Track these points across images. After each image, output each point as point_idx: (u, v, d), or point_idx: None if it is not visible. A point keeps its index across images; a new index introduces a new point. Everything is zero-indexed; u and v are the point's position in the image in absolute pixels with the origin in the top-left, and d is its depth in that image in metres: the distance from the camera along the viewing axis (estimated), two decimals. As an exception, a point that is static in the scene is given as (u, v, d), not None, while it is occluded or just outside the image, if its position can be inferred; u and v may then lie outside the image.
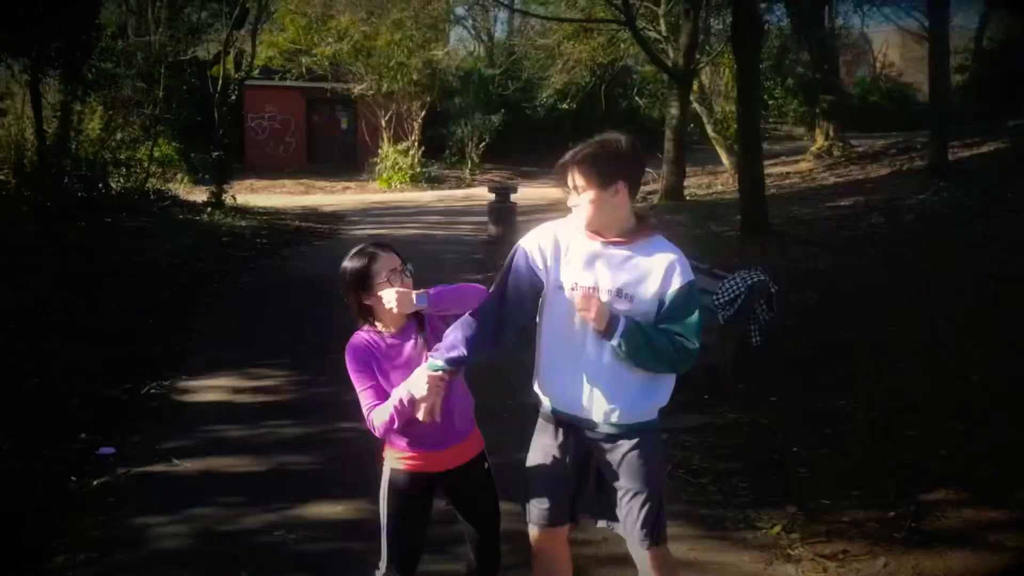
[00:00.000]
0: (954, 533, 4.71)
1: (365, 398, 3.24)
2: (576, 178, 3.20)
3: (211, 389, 7.27)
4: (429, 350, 3.22)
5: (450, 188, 26.61)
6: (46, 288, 10.20)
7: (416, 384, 3.10)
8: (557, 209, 18.36)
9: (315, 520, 4.85)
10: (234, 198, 20.53)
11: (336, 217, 20.30)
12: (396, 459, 3.36)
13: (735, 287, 6.97)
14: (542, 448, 3.39)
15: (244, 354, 8.30)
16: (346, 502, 4.97)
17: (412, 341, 3.28)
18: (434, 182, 27.18)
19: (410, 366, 3.21)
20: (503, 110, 28.70)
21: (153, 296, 10.56)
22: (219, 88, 21.07)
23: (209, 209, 19.29)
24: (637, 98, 29.69)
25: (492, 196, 16.39)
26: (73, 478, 5.39)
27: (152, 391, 7.18)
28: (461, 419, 3.36)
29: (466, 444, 3.39)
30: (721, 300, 7.00)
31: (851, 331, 8.61)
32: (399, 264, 3.26)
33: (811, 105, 26.62)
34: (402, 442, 3.31)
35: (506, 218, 15.92)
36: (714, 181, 24.01)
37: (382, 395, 3.22)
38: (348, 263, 3.26)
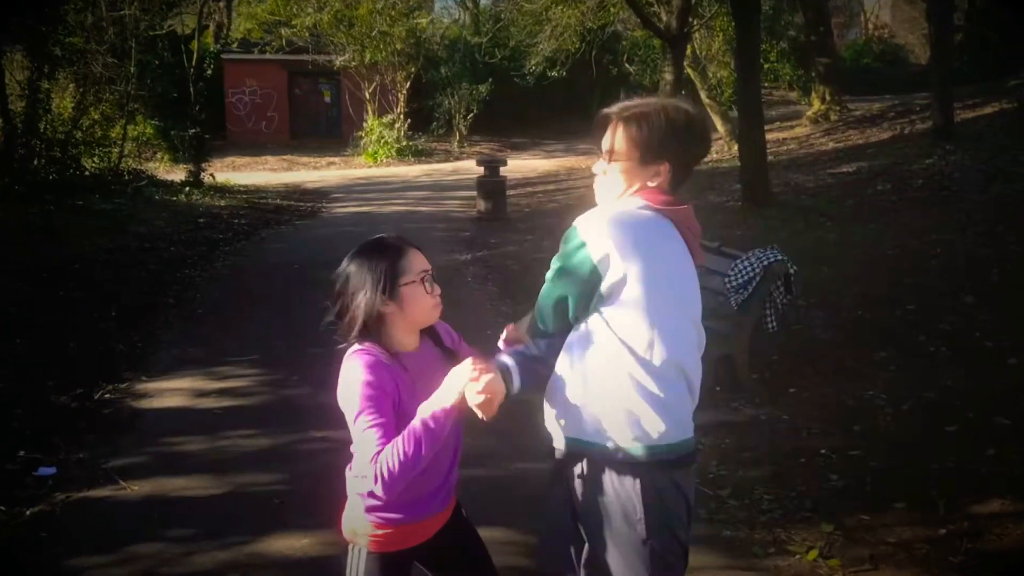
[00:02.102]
0: (1019, 554, 4.06)
1: (372, 436, 2.31)
2: (616, 138, 2.49)
3: (172, 392, 6.57)
4: (445, 351, 2.59)
5: (438, 161, 25.86)
6: (5, 278, 9.50)
7: (454, 385, 2.36)
8: (548, 181, 17.68)
9: (276, 558, 4.16)
10: (213, 176, 19.86)
11: (319, 194, 19.58)
12: (373, 539, 2.53)
13: (749, 269, 6.29)
14: (550, 487, 2.66)
15: (211, 350, 7.61)
16: (312, 534, 4.27)
17: (432, 361, 2.55)
18: (421, 155, 26.43)
19: (422, 378, 2.47)
20: (490, 79, 27.86)
21: (119, 285, 9.88)
22: (194, 63, 20.24)
23: (187, 189, 18.56)
24: (628, 64, 28.82)
25: (481, 170, 15.67)
26: (2, 507, 4.70)
27: (106, 396, 6.49)
28: (453, 460, 2.64)
29: (453, 498, 2.70)
30: (733, 283, 6.32)
31: (870, 310, 7.94)
32: (429, 266, 2.54)
33: (806, 69, 25.84)
34: (390, 511, 2.51)
35: (495, 193, 15.24)
36: (709, 149, 23.30)
37: (392, 436, 2.35)
38: (368, 259, 2.48)
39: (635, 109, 2.49)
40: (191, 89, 20.18)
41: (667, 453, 2.39)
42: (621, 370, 2.37)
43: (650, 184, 2.48)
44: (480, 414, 2.36)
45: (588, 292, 2.39)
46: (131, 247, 12.06)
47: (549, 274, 2.48)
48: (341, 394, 2.41)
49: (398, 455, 2.26)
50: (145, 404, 6.36)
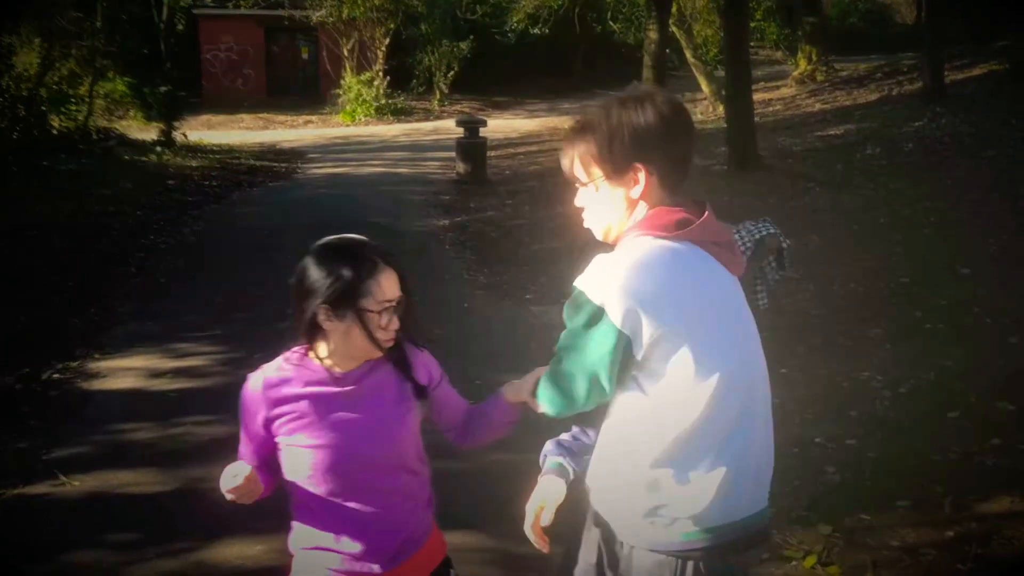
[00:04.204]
0: (1031, 562, 3.76)
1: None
2: (576, 161, 2.07)
3: (125, 372, 6.17)
4: (416, 389, 2.21)
5: (418, 120, 25.30)
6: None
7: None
8: (530, 142, 17.13)
9: (224, 568, 3.80)
10: (185, 135, 19.29)
11: (295, 155, 19.06)
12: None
13: (740, 243, 5.89)
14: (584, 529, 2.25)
15: (171, 324, 7.20)
16: (265, 539, 3.89)
17: (374, 374, 2.17)
18: (401, 114, 25.84)
19: (363, 408, 2.13)
20: (471, 36, 27.24)
21: (78, 253, 9.42)
22: (164, 18, 19.60)
23: (158, 149, 18.01)
24: (612, 22, 28.29)
25: (461, 131, 15.20)
26: (-70, 508, 4.33)
27: (55, 376, 6.09)
28: (409, 510, 2.24)
29: (425, 552, 2.27)
30: (723, 258, 5.94)
31: (862, 283, 7.61)
32: (398, 294, 2.12)
33: (792, 27, 25.39)
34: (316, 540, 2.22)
35: (475, 155, 14.79)
36: (693, 109, 22.84)
37: (254, 456, 2.28)
38: (333, 262, 2.08)
39: (580, 120, 2.09)
40: (162, 45, 19.58)
41: (710, 538, 1.96)
42: (651, 447, 1.95)
43: (633, 195, 2.03)
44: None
45: (620, 363, 1.93)
46: (94, 211, 11.59)
47: (565, 352, 2.00)
48: None
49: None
50: (96, 385, 5.97)
